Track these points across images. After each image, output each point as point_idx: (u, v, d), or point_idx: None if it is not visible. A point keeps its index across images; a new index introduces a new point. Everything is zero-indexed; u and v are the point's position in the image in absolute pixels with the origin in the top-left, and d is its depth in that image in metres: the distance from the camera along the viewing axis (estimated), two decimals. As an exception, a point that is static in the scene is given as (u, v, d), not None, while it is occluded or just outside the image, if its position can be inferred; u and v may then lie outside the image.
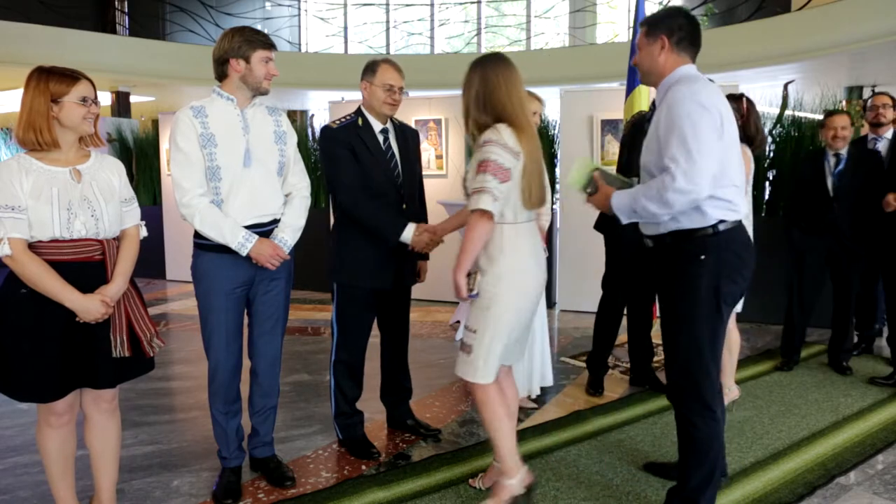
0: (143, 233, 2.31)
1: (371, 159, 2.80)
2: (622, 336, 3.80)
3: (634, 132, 3.38)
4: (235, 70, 2.42)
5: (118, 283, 2.12)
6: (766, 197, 5.48)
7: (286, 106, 12.83)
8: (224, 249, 2.41)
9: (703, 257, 2.11)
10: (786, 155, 5.33)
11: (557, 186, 6.03)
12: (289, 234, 2.53)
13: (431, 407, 3.55)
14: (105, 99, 10.85)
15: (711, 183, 2.02)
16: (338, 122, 2.85)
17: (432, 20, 14.68)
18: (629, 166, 3.27)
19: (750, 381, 3.91)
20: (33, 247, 2.02)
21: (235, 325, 2.53)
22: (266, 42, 2.45)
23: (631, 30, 7.33)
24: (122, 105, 11.07)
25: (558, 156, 6.09)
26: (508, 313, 2.29)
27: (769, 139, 5.45)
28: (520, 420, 3.19)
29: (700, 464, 2.21)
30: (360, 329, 2.94)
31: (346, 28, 15.11)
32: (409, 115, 5.90)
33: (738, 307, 3.25)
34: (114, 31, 12.50)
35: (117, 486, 2.40)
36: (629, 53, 4.67)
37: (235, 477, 2.63)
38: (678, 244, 2.16)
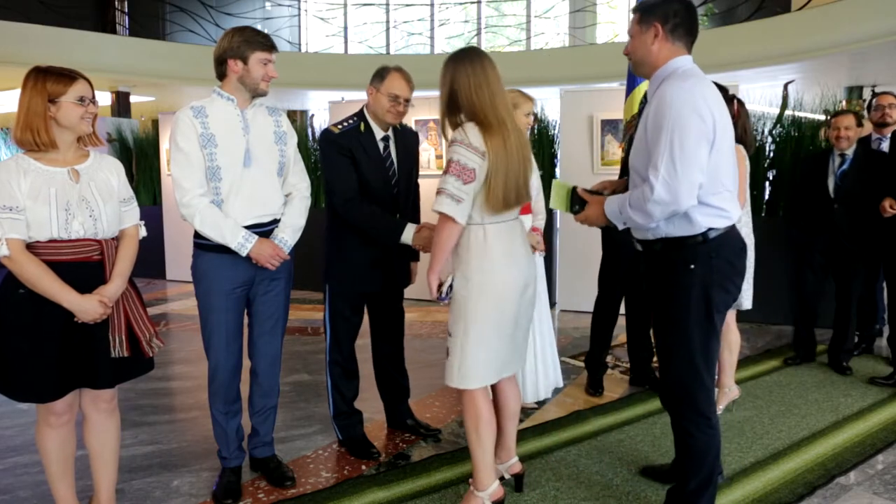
0: (143, 233, 2.31)
1: (370, 166, 2.78)
2: (622, 336, 3.80)
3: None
4: (233, 70, 2.41)
5: (116, 284, 2.12)
6: (766, 197, 5.48)
7: (286, 106, 12.82)
8: (224, 249, 2.41)
9: (692, 266, 2.05)
10: (786, 155, 5.32)
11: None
12: (289, 235, 2.53)
13: (431, 407, 3.54)
14: (105, 99, 10.85)
15: (692, 194, 1.95)
16: (340, 126, 2.82)
17: (432, 20, 14.68)
18: None
19: (750, 381, 3.91)
20: (31, 247, 2.02)
21: (235, 326, 2.53)
22: (266, 43, 2.43)
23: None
24: (122, 105, 11.07)
25: (558, 156, 6.08)
26: (481, 315, 2.24)
27: (769, 139, 5.45)
28: (520, 420, 3.19)
29: (698, 469, 2.19)
30: (350, 331, 2.95)
31: (346, 28, 15.12)
32: (409, 115, 5.84)
33: (747, 304, 3.26)
34: (114, 31, 12.50)
35: (117, 486, 2.40)
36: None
37: (235, 477, 2.63)
38: (667, 252, 2.11)
